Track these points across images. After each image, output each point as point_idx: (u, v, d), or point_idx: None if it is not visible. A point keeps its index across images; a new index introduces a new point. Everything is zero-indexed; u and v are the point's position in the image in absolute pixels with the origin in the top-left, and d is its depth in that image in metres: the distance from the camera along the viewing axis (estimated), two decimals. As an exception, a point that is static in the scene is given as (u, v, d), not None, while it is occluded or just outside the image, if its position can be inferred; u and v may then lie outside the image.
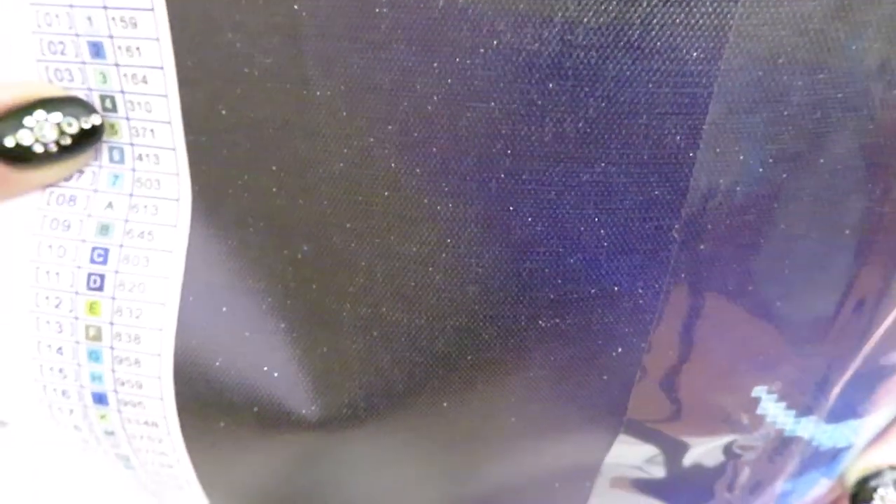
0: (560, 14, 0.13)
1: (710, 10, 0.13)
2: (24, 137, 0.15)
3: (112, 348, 0.17)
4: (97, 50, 0.16)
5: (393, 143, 0.14)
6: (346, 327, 0.16)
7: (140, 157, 0.17)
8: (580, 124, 0.14)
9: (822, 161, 0.14)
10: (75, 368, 0.18)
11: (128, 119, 0.17)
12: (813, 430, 0.18)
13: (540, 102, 0.14)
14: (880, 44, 0.13)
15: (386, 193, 0.15)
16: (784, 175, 0.14)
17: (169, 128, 0.16)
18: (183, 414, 0.18)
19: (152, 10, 0.15)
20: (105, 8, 0.15)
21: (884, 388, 0.18)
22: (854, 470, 0.19)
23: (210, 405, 0.17)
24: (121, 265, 0.17)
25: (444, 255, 0.15)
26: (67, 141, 0.16)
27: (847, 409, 0.18)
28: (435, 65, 0.14)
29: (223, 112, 0.16)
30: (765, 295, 0.16)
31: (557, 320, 0.16)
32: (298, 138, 0.15)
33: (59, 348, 0.17)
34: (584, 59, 0.13)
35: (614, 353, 0.16)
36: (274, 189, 0.16)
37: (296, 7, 0.14)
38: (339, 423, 0.17)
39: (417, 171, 0.15)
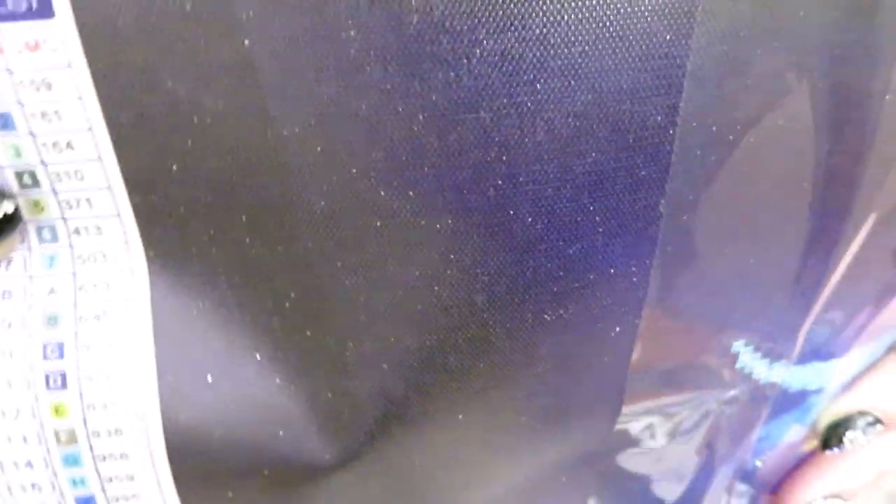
0: (540, 15, 0.13)
1: None
2: None
3: (91, 448, 0.15)
4: (4, 122, 0.14)
5: (379, 170, 0.14)
6: (352, 367, 0.15)
7: (77, 232, 0.15)
8: (570, 119, 0.14)
9: (781, 122, 0.15)
10: (51, 479, 0.16)
11: (55, 192, 0.15)
12: (783, 373, 0.19)
13: (529, 104, 0.13)
14: (824, 8, 0.14)
15: (378, 223, 0.14)
16: (751, 140, 0.15)
17: (109, 193, 0.14)
18: (185, 495, 0.16)
19: (69, 66, 0.13)
20: (9, 72, 0.13)
21: (844, 331, 0.19)
22: (825, 415, 0.21)
23: (214, 479, 0.16)
24: (80, 356, 0.15)
25: (449, 271, 0.15)
26: None
27: (811, 352, 0.19)
28: (416, 83, 0.13)
29: (174, 167, 0.14)
30: (740, 253, 0.17)
31: (561, 311, 0.16)
32: (269, 183, 0.14)
33: (28, 462, 0.15)
34: (567, 55, 0.13)
35: (612, 333, 0.17)
36: (247, 240, 0.14)
37: (246, 43, 0.13)
38: (357, 460, 0.17)
39: (410, 193, 0.14)
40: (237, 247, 0.14)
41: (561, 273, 0.15)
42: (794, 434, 0.22)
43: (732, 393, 0.19)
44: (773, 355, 0.19)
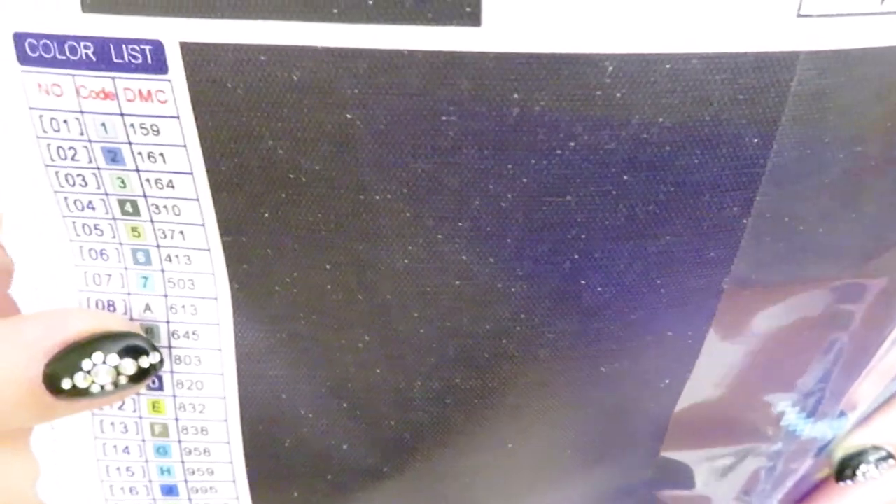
0: (637, 116, 0.13)
1: (770, 102, 0.13)
2: (80, 380, 0.15)
3: (180, 442, 0.17)
4: (114, 156, 0.15)
5: (464, 238, 0.14)
6: (417, 401, 0.17)
7: (169, 259, 0.16)
8: (650, 207, 0.14)
9: (853, 216, 0.15)
10: (143, 465, 0.17)
11: (152, 221, 0.15)
12: (825, 429, 0.20)
13: (615, 192, 0.14)
14: None
15: (457, 283, 0.15)
16: (820, 230, 0.15)
17: (202, 230, 0.15)
18: (256, 491, 0.18)
19: (178, 117, 0.14)
20: (122, 115, 0.14)
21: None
22: (840, 449, 0.21)
23: (282, 479, 0.18)
24: (175, 366, 0.17)
25: (517, 328, 0.16)
26: (124, 381, 0.15)
27: (848, 406, 0.20)
28: (509, 166, 0.13)
29: (266, 215, 0.15)
30: (793, 328, 0.17)
31: (616, 365, 0.17)
32: (356, 240, 0.15)
33: (126, 448, 0.17)
34: (657, 153, 0.13)
35: (661, 385, 0.18)
36: (328, 286, 0.15)
37: (349, 116, 0.13)
38: (413, 472, 0.18)
39: (491, 260, 0.15)
40: (318, 291, 0.15)
41: (621, 334, 0.16)
42: (807, 464, 0.22)
43: (775, 448, 0.20)
44: (817, 415, 0.20)
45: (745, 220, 0.14)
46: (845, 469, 0.21)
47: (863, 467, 0.21)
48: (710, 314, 0.16)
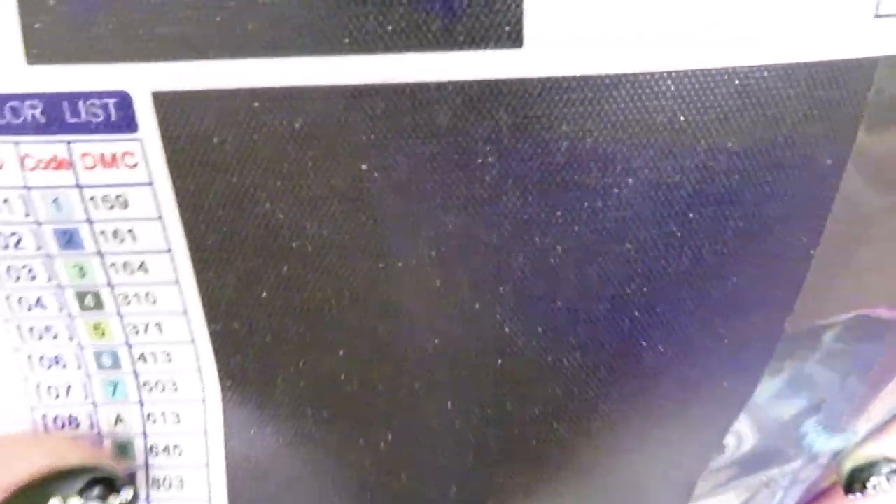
0: (703, 142, 0.11)
1: (846, 116, 0.12)
2: None
3: None
4: (69, 238, 0.12)
5: (506, 306, 0.12)
6: (453, 506, 0.14)
7: (143, 358, 0.13)
8: (717, 246, 0.12)
9: None
10: None
11: (120, 315, 0.13)
12: (840, 442, 0.19)
13: (679, 234, 0.12)
14: None
15: (499, 361, 0.13)
16: (882, 254, 0.14)
17: (184, 318, 0.13)
18: None
19: (151, 184, 0.11)
20: (79, 187, 0.11)
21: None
22: (849, 460, 0.20)
23: None
24: (153, 492, 0.13)
25: (570, 406, 0.13)
26: None
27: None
28: (558, 213, 0.11)
29: (263, 294, 0.12)
30: (841, 352, 0.16)
31: (669, 425, 0.15)
32: (375, 318, 0.12)
33: None
34: (725, 183, 0.11)
35: (707, 435, 0.15)
36: (342, 376, 0.13)
37: (363, 167, 0.11)
38: None
39: (539, 329, 0.12)
40: (330, 382, 0.13)
41: (679, 393, 0.14)
42: (818, 473, 0.21)
43: (793, 466, 0.18)
44: (838, 430, 0.18)
45: (812, 251, 0.13)
46: (855, 481, 0.20)
47: (873, 479, 0.19)
48: (767, 357, 0.14)
